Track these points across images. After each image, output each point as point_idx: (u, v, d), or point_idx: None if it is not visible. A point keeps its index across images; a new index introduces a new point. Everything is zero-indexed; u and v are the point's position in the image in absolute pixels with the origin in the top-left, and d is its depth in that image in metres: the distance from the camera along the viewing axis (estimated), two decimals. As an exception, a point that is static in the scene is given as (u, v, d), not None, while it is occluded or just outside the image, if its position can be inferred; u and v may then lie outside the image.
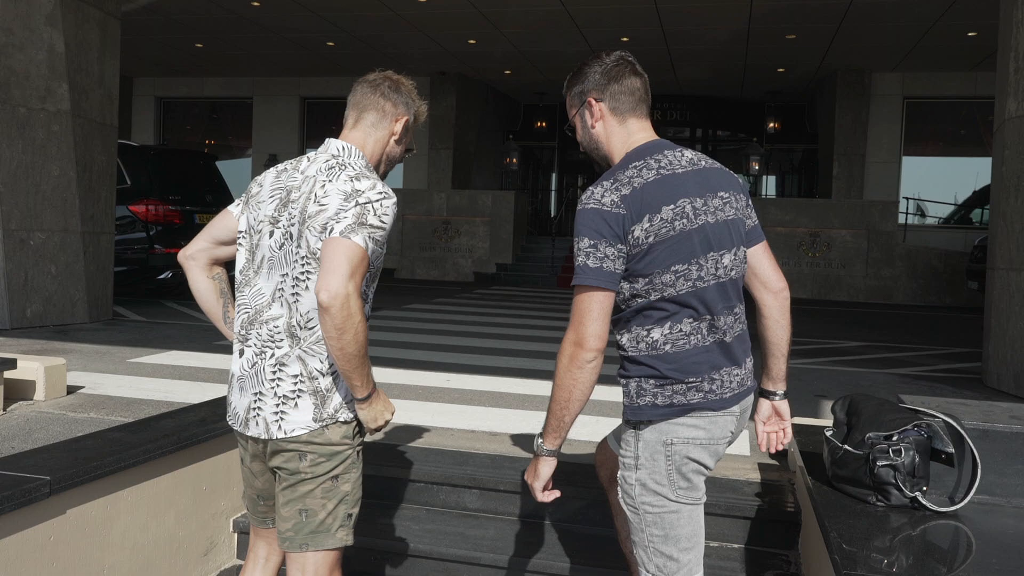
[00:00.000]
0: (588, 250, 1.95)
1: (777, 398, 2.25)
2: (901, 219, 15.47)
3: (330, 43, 15.42)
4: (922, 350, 8.27)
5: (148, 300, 10.05)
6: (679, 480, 2.02)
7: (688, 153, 2.11)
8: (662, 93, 19.21)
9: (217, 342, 7.00)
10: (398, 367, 6.07)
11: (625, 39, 14.36)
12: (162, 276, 9.61)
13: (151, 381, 5.17)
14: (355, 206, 2.02)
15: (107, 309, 8.23)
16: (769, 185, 22.67)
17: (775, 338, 2.20)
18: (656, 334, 2.01)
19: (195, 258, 2.31)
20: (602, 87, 2.11)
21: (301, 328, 2.05)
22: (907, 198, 16.01)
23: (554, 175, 23.30)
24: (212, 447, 3.04)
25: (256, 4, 13.01)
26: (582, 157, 19.11)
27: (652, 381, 2.03)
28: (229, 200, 11.06)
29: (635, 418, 2.06)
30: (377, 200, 2.05)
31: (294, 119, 19.02)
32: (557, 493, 2.13)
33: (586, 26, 13.59)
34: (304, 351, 2.05)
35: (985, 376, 6.31)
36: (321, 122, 19.37)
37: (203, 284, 2.31)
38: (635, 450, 2.07)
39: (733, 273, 2.06)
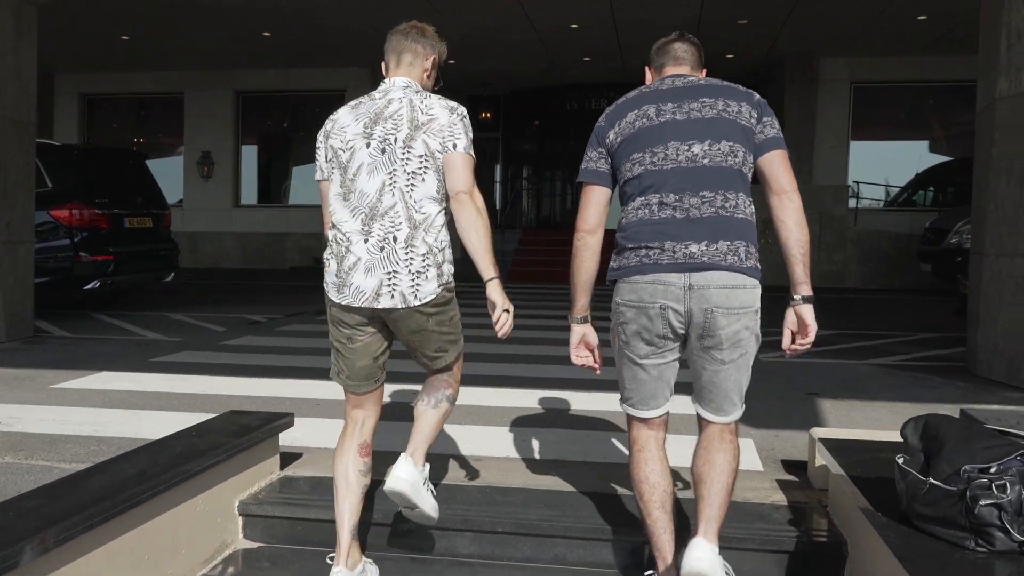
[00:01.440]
0: (585, 157, 2.56)
1: (796, 302, 2.41)
2: (850, 203, 15.39)
3: (266, 33, 14.67)
4: (892, 336, 8.03)
5: (74, 312, 9.30)
6: (621, 334, 2.47)
7: (692, 77, 2.53)
8: (610, 82, 18.83)
9: (153, 359, 6.38)
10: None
11: (574, 25, 13.94)
12: (89, 286, 8.85)
13: (78, 411, 4.57)
14: (460, 120, 2.59)
15: (28, 326, 7.50)
16: (715, 172, 22.49)
17: (783, 240, 2.37)
18: (624, 215, 2.47)
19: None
20: (653, 55, 2.69)
21: (416, 212, 2.54)
22: (857, 182, 15.90)
23: (499, 167, 22.78)
24: (155, 507, 2.51)
25: (184, -8, 12.25)
26: (527, 148, 18.39)
27: (615, 250, 2.47)
28: (162, 202, 10.35)
29: (608, 279, 2.50)
30: (465, 112, 2.64)
31: (228, 114, 18.14)
32: (590, 363, 2.65)
33: (534, 11, 13.12)
34: (424, 232, 2.55)
35: (974, 365, 6.04)
36: (257, 117, 18.56)
37: None
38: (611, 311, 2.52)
39: (706, 161, 2.35)
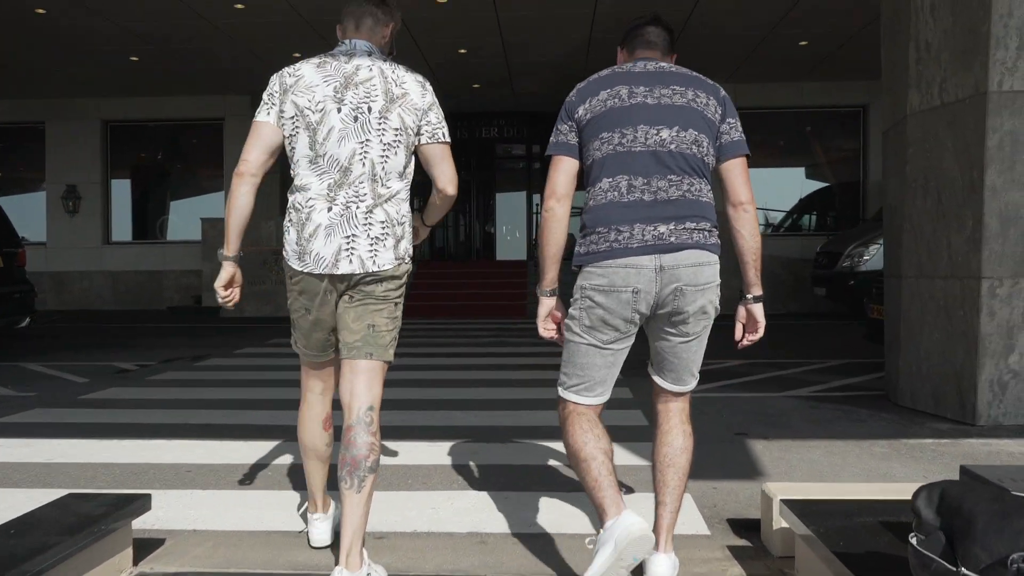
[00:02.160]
0: (555, 130, 2.58)
1: (748, 301, 2.62)
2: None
3: (134, 58, 13.70)
4: (802, 364, 7.83)
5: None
6: (585, 319, 2.50)
7: (664, 64, 2.58)
8: (499, 110, 18.57)
9: (-5, 420, 5.51)
10: (237, 437, 4.85)
11: (463, 51, 13.56)
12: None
13: None
14: (435, 102, 2.67)
15: None
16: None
17: (738, 247, 2.52)
18: (590, 195, 2.51)
19: (256, 174, 2.65)
20: (625, 36, 2.73)
21: (382, 185, 2.59)
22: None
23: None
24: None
25: (41, 11, 11.24)
26: (417, 178, 18.22)
27: (581, 233, 2.51)
28: (14, 239, 9.32)
29: (574, 264, 2.52)
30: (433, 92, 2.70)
31: (95, 144, 16.94)
32: (555, 335, 2.67)
33: (421, 35, 12.67)
34: (386, 203, 2.60)
35: (895, 393, 5.82)
36: (128, 148, 17.38)
37: (249, 201, 2.66)
38: (573, 290, 2.53)
39: (673, 147, 2.44)
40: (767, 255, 14.91)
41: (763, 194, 16.77)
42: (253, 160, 2.63)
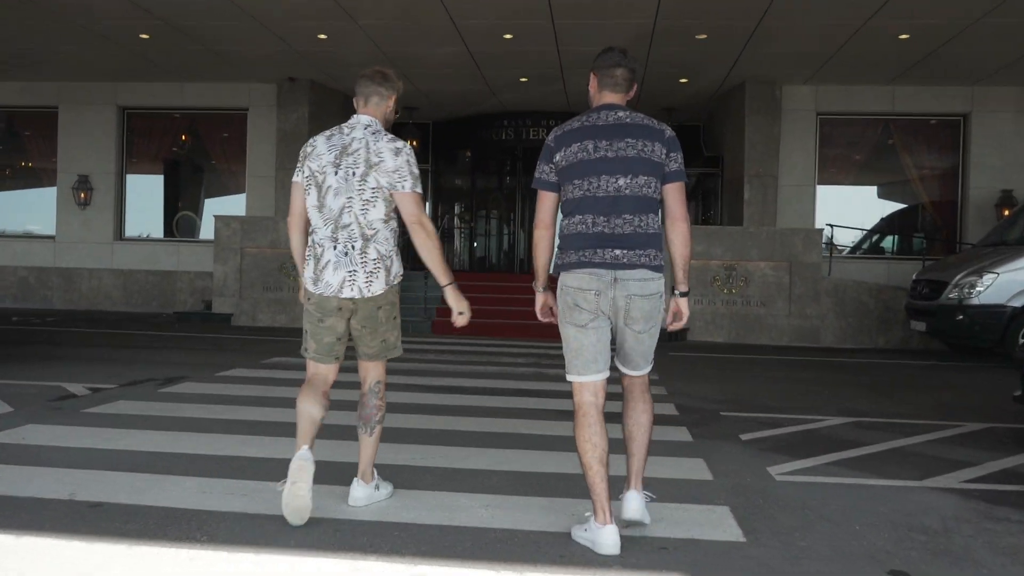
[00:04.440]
0: (538, 168, 3.46)
1: (676, 295, 3.46)
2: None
3: (144, 35, 12.31)
4: (929, 428, 5.96)
5: None
6: (567, 310, 3.35)
7: (622, 113, 3.37)
8: (550, 109, 16.89)
9: None
10: (145, 537, 3.22)
11: (508, 36, 11.92)
12: None
13: None
14: (405, 162, 3.55)
15: None
16: (663, 213, 20.63)
17: (672, 253, 3.41)
18: (565, 223, 3.41)
19: (297, 224, 3.71)
20: (599, 66, 3.48)
21: (368, 229, 3.53)
22: (830, 225, 14.08)
23: (427, 203, 20.60)
24: None
25: (28, -27, 9.87)
26: (458, 183, 16.17)
27: (559, 251, 3.41)
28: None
29: (553, 271, 3.45)
30: (410, 151, 3.60)
31: (111, 132, 15.64)
32: (550, 318, 3.52)
33: (462, 18, 11.08)
34: (376, 244, 3.55)
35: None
36: (144, 135, 16.07)
37: (300, 240, 3.72)
38: (556, 292, 3.44)
39: (628, 192, 3.28)
40: (854, 280, 13.03)
41: (843, 211, 14.84)
42: (295, 209, 3.70)
